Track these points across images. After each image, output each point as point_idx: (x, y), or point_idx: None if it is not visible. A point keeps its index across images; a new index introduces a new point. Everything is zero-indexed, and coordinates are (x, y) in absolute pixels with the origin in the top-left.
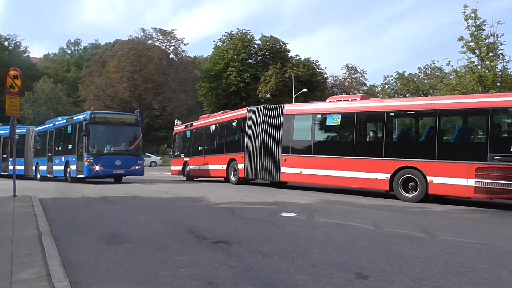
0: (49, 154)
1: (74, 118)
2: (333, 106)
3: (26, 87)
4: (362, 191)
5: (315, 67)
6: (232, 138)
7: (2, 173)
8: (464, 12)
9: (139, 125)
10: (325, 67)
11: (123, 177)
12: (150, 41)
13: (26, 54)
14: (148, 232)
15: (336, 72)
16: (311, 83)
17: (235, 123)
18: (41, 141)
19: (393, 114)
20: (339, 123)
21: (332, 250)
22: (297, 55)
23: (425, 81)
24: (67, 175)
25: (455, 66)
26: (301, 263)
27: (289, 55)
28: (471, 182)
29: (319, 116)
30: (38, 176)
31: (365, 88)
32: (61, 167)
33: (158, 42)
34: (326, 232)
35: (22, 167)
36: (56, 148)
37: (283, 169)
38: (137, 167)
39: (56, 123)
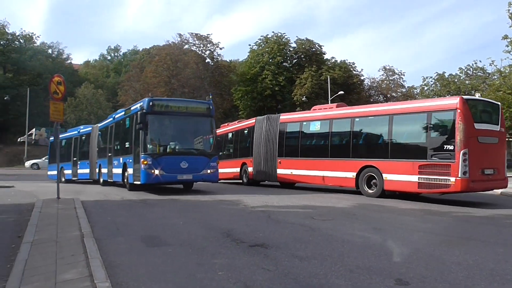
0: (109, 154)
1: (132, 108)
2: (315, 114)
3: (68, 93)
4: (402, 195)
5: (352, 69)
6: (244, 145)
7: (73, 179)
8: (509, 10)
9: (212, 115)
10: (362, 69)
11: (193, 183)
12: (186, 46)
13: (69, 61)
14: (185, 235)
15: (373, 74)
16: (347, 85)
17: (246, 131)
18: (102, 139)
19: (358, 119)
20: (319, 129)
21: (370, 255)
22: (333, 57)
23: (467, 82)
24: (125, 180)
25: (499, 66)
26: (339, 267)
27: (324, 58)
28: (415, 178)
29: (304, 123)
30: (101, 180)
31: (403, 90)
32: (119, 170)
33: (194, 47)
34: (364, 236)
35: (87, 170)
36: (115, 147)
37: (278, 171)
38: (209, 171)
39: (116, 116)
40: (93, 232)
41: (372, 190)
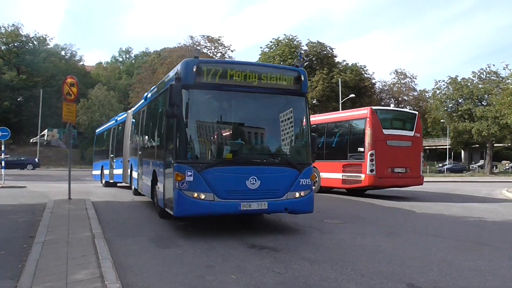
0: (139, 153)
1: (166, 78)
2: None
3: (81, 94)
4: (414, 197)
5: (363, 72)
6: None
7: (111, 181)
8: None
9: (304, 91)
10: (373, 72)
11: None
12: (198, 48)
13: (81, 63)
14: (195, 236)
15: (385, 77)
16: (359, 88)
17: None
18: (135, 129)
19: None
20: None
21: (382, 259)
22: (344, 60)
23: (480, 85)
24: (155, 199)
25: None
26: (350, 271)
27: (336, 61)
28: (340, 175)
29: None
30: (133, 187)
31: (415, 93)
32: (148, 180)
33: (205, 49)
34: (375, 240)
35: (120, 171)
36: (146, 143)
37: None
38: (298, 194)
39: (149, 94)
40: (104, 233)
41: (313, 186)
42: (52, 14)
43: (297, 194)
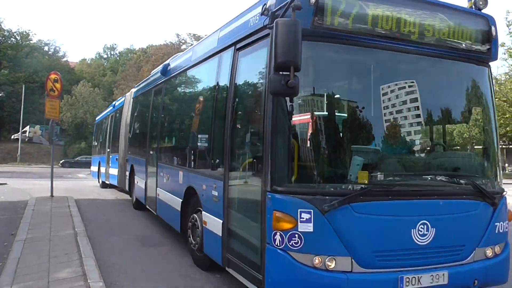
0: (153, 153)
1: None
2: None
3: (65, 91)
4: None
5: None
6: None
7: (107, 182)
8: (507, 18)
9: (494, 57)
10: None
11: None
12: (184, 46)
13: (65, 59)
14: (180, 235)
15: None
16: None
17: None
18: (137, 117)
19: None
20: None
21: None
22: None
23: None
24: (190, 237)
25: (495, 74)
26: None
27: None
28: None
29: None
30: (134, 197)
31: None
32: (174, 204)
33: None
34: None
35: (115, 171)
36: (173, 139)
37: None
38: (489, 253)
39: (178, 61)
40: (87, 231)
41: None
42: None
43: (490, 252)
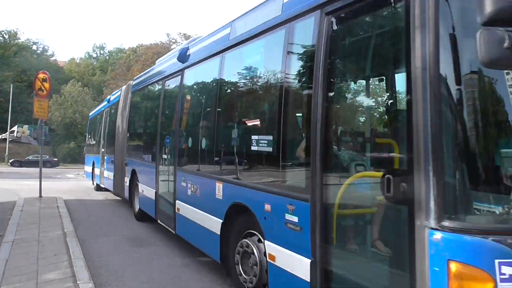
0: (165, 156)
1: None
2: None
3: (53, 90)
4: None
5: None
6: None
7: (102, 185)
8: None
9: None
10: None
11: None
12: (174, 46)
13: (53, 58)
14: (172, 235)
15: None
16: None
17: None
18: (139, 114)
19: None
20: None
21: None
22: None
23: None
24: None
25: None
26: None
27: None
28: None
29: None
30: (136, 208)
31: None
32: (213, 225)
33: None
34: None
35: (110, 175)
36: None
37: None
38: None
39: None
40: (77, 232)
41: None
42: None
43: None
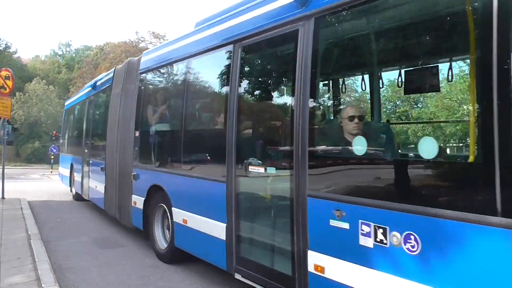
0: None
1: None
2: None
3: (17, 88)
4: None
5: None
6: None
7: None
8: None
9: None
10: None
11: None
12: (142, 44)
13: (17, 55)
14: (141, 236)
15: None
16: None
17: None
18: (168, 103)
19: None
20: None
21: None
22: None
23: None
24: None
25: None
26: None
27: None
28: None
29: None
30: (166, 248)
31: None
32: None
33: (151, 45)
34: None
35: (101, 187)
36: None
37: None
38: None
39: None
40: (41, 234)
41: None
42: None
43: None
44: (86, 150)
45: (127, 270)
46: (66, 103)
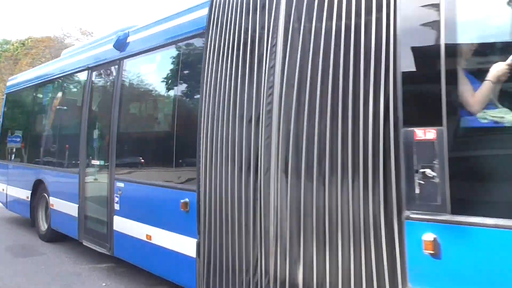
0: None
1: None
2: None
3: None
4: None
5: None
6: None
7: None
8: None
9: None
10: None
11: None
12: (68, 40)
13: None
14: (61, 244)
15: None
16: None
17: None
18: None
19: None
20: None
21: None
22: None
23: None
24: None
25: None
26: None
27: None
28: None
29: None
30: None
31: None
32: None
33: (77, 42)
34: None
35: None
36: None
37: None
38: None
39: None
40: None
41: None
42: None
43: None
44: (66, 162)
45: (47, 279)
46: (8, 83)
